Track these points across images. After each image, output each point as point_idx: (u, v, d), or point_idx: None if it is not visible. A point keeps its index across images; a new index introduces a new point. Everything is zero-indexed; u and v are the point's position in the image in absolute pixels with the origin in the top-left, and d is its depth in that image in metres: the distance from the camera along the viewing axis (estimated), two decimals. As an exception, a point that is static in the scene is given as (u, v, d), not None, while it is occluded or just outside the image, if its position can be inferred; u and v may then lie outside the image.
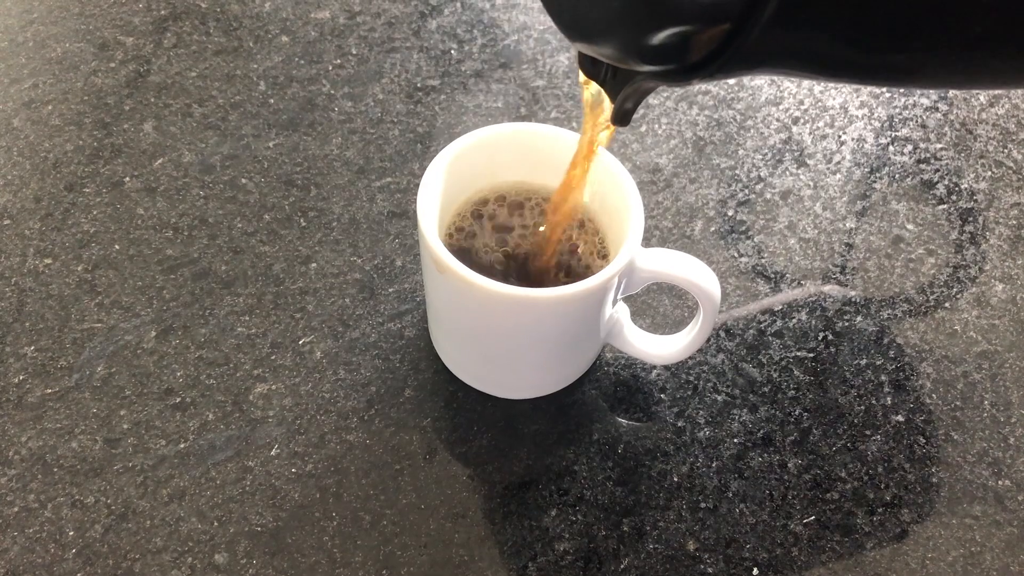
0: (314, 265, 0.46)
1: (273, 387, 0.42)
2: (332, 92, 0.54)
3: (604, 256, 0.40)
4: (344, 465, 0.40)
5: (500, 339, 0.38)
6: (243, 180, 0.49)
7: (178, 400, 0.41)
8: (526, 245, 0.40)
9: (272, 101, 0.53)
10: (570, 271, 0.40)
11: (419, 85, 0.54)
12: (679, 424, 0.42)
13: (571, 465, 0.40)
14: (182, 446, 0.40)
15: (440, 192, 0.38)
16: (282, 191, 0.49)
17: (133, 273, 0.45)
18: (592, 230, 0.41)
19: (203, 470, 0.39)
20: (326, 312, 0.44)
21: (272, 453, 0.40)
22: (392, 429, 0.41)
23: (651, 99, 0.55)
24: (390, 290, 0.45)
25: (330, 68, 0.55)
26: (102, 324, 0.43)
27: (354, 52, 0.56)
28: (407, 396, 0.42)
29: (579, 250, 0.40)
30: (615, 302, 0.39)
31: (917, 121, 0.55)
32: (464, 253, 0.40)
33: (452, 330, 0.40)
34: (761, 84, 0.56)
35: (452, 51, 0.56)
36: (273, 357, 0.43)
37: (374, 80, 0.54)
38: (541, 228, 0.41)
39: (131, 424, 0.40)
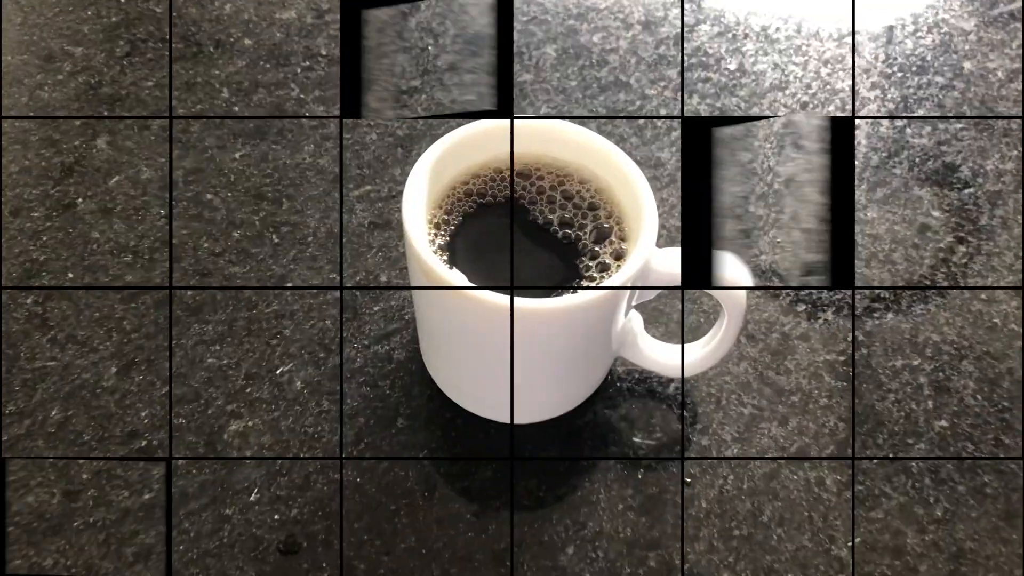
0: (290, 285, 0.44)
1: (249, 423, 0.39)
2: (302, 96, 0.51)
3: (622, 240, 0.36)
4: (333, 508, 0.37)
5: (501, 357, 0.35)
6: (208, 196, 0.47)
7: (143, 443, 0.38)
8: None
9: (237, 109, 0.50)
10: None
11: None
12: (703, 443, 0.39)
13: (587, 495, 0.37)
14: (146, 497, 0.36)
15: (426, 197, 0.36)
16: (251, 205, 0.46)
17: (89, 304, 0.42)
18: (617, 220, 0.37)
19: (174, 522, 0.36)
20: (305, 337, 0.42)
21: (251, 499, 0.37)
22: (385, 465, 0.38)
23: (647, 90, 0.52)
24: (375, 309, 0.43)
25: (298, 71, 0.52)
26: (56, 362, 0.40)
27: (324, 53, 0.53)
28: (400, 426, 0.39)
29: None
30: (628, 310, 0.36)
31: (934, 101, 0.52)
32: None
33: (447, 350, 0.38)
34: (765, 69, 0.53)
35: (429, 48, 0.53)
36: (248, 390, 0.40)
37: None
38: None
39: (91, 474, 0.37)
